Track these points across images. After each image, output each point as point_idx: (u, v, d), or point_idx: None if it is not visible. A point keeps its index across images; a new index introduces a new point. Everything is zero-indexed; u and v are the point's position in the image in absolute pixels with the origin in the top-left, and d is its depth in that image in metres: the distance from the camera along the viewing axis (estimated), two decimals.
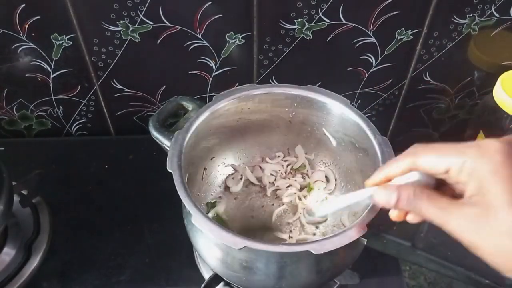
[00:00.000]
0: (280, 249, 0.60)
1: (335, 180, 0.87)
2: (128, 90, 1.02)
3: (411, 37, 0.95)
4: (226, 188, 0.87)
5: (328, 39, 0.94)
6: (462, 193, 0.48)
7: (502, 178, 0.44)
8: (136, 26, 0.90)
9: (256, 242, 0.59)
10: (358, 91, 1.05)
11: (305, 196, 0.86)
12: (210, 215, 0.82)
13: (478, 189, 0.45)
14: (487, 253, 0.46)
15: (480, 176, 0.45)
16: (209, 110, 0.75)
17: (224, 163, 0.88)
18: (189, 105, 0.78)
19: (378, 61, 0.98)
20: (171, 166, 0.67)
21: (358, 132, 0.74)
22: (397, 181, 0.54)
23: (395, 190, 0.51)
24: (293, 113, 0.81)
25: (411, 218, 0.54)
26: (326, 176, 0.87)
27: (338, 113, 0.77)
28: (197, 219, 0.61)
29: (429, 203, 0.49)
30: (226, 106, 0.77)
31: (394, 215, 0.55)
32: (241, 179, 0.87)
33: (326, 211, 0.71)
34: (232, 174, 0.88)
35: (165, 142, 0.73)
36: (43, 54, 0.94)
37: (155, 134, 0.75)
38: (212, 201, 0.85)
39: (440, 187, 0.52)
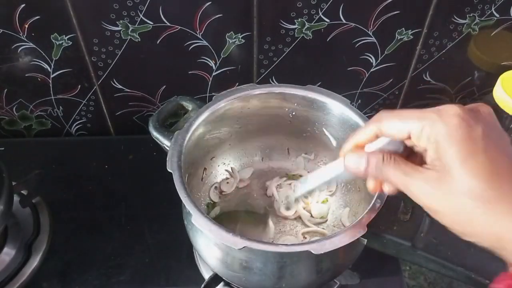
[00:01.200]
0: (280, 249, 0.60)
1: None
2: (128, 90, 1.02)
3: (411, 37, 0.95)
4: (221, 192, 0.87)
5: (328, 39, 0.94)
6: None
7: (456, 141, 0.44)
8: (136, 26, 0.90)
9: (256, 242, 0.59)
10: (358, 91, 1.05)
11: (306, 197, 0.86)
12: (210, 215, 0.82)
13: (435, 153, 0.46)
14: (446, 216, 0.47)
15: (437, 139, 0.46)
16: (209, 110, 0.75)
17: (224, 163, 0.88)
18: (189, 105, 0.78)
19: (378, 61, 0.98)
20: (171, 166, 0.67)
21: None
22: (368, 149, 0.54)
23: (364, 156, 0.52)
24: (293, 113, 0.81)
25: (387, 189, 0.54)
26: None
27: (338, 113, 0.77)
28: (197, 219, 0.61)
29: (395, 169, 0.50)
30: (226, 106, 0.77)
31: (370, 185, 0.55)
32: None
33: (307, 187, 0.67)
34: (227, 179, 0.88)
35: (165, 142, 0.73)
36: (43, 54, 0.94)
37: (155, 134, 0.75)
38: (212, 202, 0.85)
39: (411, 155, 0.52)
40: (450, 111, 0.46)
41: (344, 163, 0.55)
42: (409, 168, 0.49)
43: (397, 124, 0.49)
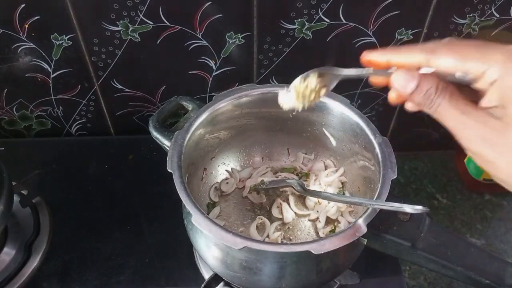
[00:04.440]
0: (280, 249, 0.60)
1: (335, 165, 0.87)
2: (128, 90, 1.02)
3: (411, 37, 0.95)
4: (221, 192, 0.87)
5: (328, 39, 0.94)
6: (477, 100, 0.45)
7: None
8: (136, 26, 0.90)
9: (256, 242, 0.59)
10: (358, 91, 1.05)
11: (306, 180, 0.87)
12: (210, 215, 0.82)
13: (500, 100, 0.42)
14: (502, 170, 0.43)
15: (504, 85, 0.41)
16: (209, 110, 0.75)
17: (224, 163, 0.88)
18: (189, 105, 0.78)
19: None
20: (171, 166, 0.67)
21: (358, 132, 0.74)
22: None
23: (417, 78, 0.46)
24: (293, 113, 0.81)
25: (410, 106, 0.50)
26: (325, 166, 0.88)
27: (338, 113, 0.77)
28: (197, 219, 0.61)
29: (450, 103, 0.44)
30: (226, 106, 0.77)
31: (393, 96, 0.51)
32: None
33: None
34: (226, 179, 0.88)
35: (165, 142, 0.73)
36: (43, 54, 0.94)
37: (155, 134, 0.75)
38: (212, 202, 0.85)
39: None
40: None
41: (392, 78, 0.48)
42: (468, 107, 0.44)
43: (453, 62, 0.44)
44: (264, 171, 0.88)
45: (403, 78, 0.46)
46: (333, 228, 0.81)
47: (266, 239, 0.80)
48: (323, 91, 0.64)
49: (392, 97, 0.51)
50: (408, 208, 0.58)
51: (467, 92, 0.46)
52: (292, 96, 0.63)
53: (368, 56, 0.50)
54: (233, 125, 0.82)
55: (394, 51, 0.49)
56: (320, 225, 0.81)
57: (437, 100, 0.45)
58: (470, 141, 0.44)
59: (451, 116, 0.44)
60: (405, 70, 0.47)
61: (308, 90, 0.63)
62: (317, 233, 0.82)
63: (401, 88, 0.47)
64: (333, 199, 0.75)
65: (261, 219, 0.82)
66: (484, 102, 0.43)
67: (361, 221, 0.61)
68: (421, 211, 0.57)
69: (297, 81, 0.61)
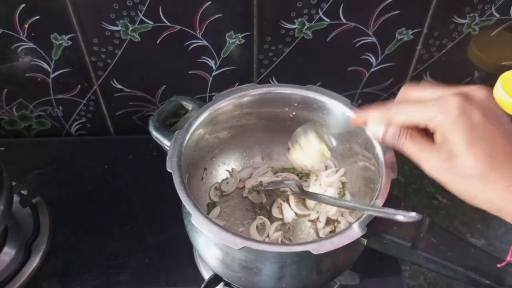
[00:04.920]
0: (280, 249, 0.60)
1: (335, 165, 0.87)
2: (128, 90, 1.02)
3: (411, 37, 0.95)
4: (221, 192, 0.87)
5: (328, 39, 0.94)
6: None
7: (459, 129, 0.51)
8: (136, 26, 0.90)
9: (256, 243, 0.59)
10: (358, 91, 1.05)
11: (306, 181, 0.86)
12: (210, 215, 0.82)
13: (442, 138, 0.52)
14: (455, 189, 0.54)
15: (442, 127, 0.52)
16: (209, 110, 0.75)
17: (224, 163, 0.88)
18: (189, 105, 0.78)
19: (378, 61, 0.98)
20: (171, 166, 0.67)
21: (359, 131, 0.74)
22: None
23: (383, 126, 0.58)
24: (294, 113, 0.81)
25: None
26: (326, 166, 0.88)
27: (338, 113, 0.77)
28: (196, 219, 0.61)
29: (411, 142, 0.56)
30: (226, 106, 0.77)
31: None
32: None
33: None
34: (226, 179, 0.88)
35: (165, 142, 0.73)
36: (43, 54, 0.94)
37: (155, 133, 0.75)
38: (212, 202, 0.85)
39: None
40: (451, 104, 0.51)
41: (366, 129, 0.61)
42: (424, 144, 0.55)
43: (404, 115, 0.56)
44: (264, 171, 0.88)
45: (373, 127, 0.60)
46: (333, 228, 0.81)
47: (266, 239, 0.79)
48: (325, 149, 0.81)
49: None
50: (401, 216, 0.59)
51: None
52: (298, 152, 0.81)
53: (353, 121, 0.67)
54: (233, 125, 0.82)
55: (367, 111, 0.61)
56: (320, 225, 0.81)
57: (401, 141, 0.57)
58: (430, 171, 0.55)
59: (413, 152, 0.56)
60: (375, 119, 0.60)
61: (310, 146, 0.81)
62: (317, 233, 0.82)
63: (374, 135, 0.60)
64: (329, 202, 0.75)
65: (261, 219, 0.82)
66: (435, 140, 0.54)
67: (361, 222, 0.61)
68: (413, 219, 0.58)
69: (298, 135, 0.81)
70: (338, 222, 0.82)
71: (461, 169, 0.52)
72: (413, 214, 0.59)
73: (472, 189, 0.52)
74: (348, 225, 0.63)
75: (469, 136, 0.50)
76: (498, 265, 0.62)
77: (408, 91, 0.58)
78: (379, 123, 0.59)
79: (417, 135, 0.56)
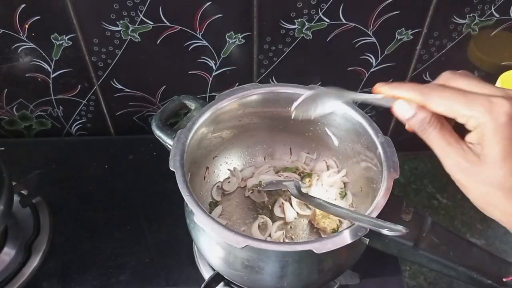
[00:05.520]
0: (282, 248, 0.60)
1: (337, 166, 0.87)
2: (128, 90, 1.02)
3: (411, 37, 0.95)
4: (223, 191, 0.87)
5: (328, 39, 0.94)
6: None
7: (502, 138, 0.48)
8: (136, 26, 0.90)
9: (258, 241, 0.59)
10: (358, 91, 1.05)
11: (308, 180, 0.87)
12: (213, 214, 0.82)
13: (479, 140, 0.50)
14: (472, 195, 0.52)
15: (483, 131, 0.49)
16: (212, 109, 0.75)
17: (227, 162, 0.88)
18: (191, 104, 0.78)
19: (378, 61, 0.99)
20: (174, 165, 0.67)
21: (361, 131, 0.74)
22: None
23: (414, 108, 0.53)
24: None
25: (408, 127, 0.56)
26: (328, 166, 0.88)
27: (340, 112, 0.76)
28: (199, 218, 0.61)
29: (439, 133, 0.52)
30: (229, 105, 0.76)
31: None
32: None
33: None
34: (228, 178, 0.88)
35: (168, 141, 0.73)
36: (43, 54, 0.94)
37: (157, 132, 0.74)
38: (215, 201, 0.85)
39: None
40: (501, 108, 0.48)
41: (394, 106, 0.56)
42: (453, 139, 0.52)
43: (445, 104, 0.51)
44: (266, 170, 0.88)
45: (402, 107, 0.54)
46: (335, 228, 0.81)
47: (268, 238, 0.79)
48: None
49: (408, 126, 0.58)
50: (386, 230, 0.58)
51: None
52: None
53: (379, 88, 0.58)
54: (235, 124, 0.82)
55: (399, 87, 0.55)
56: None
57: (429, 129, 0.53)
58: (451, 168, 0.52)
59: (438, 145, 0.52)
60: (406, 100, 0.54)
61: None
62: (318, 233, 0.82)
63: (401, 114, 0.55)
64: (322, 207, 0.73)
65: (263, 218, 0.82)
66: (467, 138, 0.51)
67: None
68: (399, 234, 0.58)
69: None
70: (341, 221, 0.82)
71: (488, 176, 0.50)
72: (399, 227, 0.58)
73: (492, 198, 0.51)
74: (350, 225, 0.63)
75: (509, 147, 0.48)
76: (504, 279, 0.62)
77: (451, 79, 0.53)
78: (410, 104, 0.54)
79: (447, 127, 0.53)
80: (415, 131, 0.55)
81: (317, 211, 0.81)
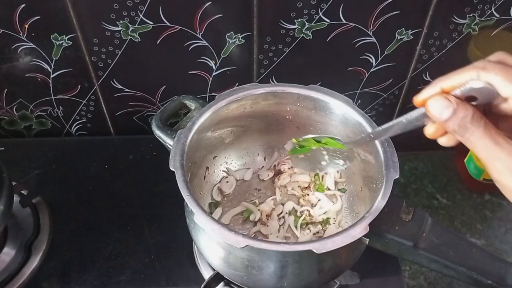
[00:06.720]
0: (282, 248, 0.60)
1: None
2: (128, 90, 1.02)
3: (411, 37, 0.95)
4: (221, 192, 0.87)
5: (328, 39, 0.94)
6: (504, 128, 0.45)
7: None
8: (136, 26, 0.90)
9: (258, 241, 0.59)
10: (358, 91, 1.05)
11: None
12: (213, 214, 0.82)
13: None
14: None
15: None
16: (212, 109, 0.75)
17: (226, 162, 0.88)
18: (191, 104, 0.78)
19: (378, 61, 0.98)
20: (174, 165, 0.67)
21: (361, 131, 0.74)
22: (455, 92, 0.46)
23: (453, 104, 0.44)
24: (296, 113, 0.81)
25: (445, 141, 0.49)
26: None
27: (340, 112, 0.76)
28: (199, 218, 0.61)
29: (485, 132, 0.44)
30: (229, 105, 0.76)
31: (430, 131, 0.50)
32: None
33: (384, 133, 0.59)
34: (225, 177, 0.88)
35: (168, 141, 0.73)
36: (43, 54, 0.94)
37: (158, 132, 0.75)
38: (215, 201, 0.85)
39: (487, 114, 0.46)
40: None
41: (428, 105, 0.46)
42: (502, 138, 0.44)
43: (501, 82, 0.43)
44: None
45: (440, 104, 0.45)
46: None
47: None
48: None
49: (430, 131, 0.50)
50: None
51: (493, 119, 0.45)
52: None
53: (421, 97, 0.48)
54: (235, 124, 0.82)
55: (444, 78, 0.48)
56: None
57: (472, 128, 0.44)
58: (500, 173, 0.44)
59: (484, 146, 0.44)
60: (442, 96, 0.46)
61: None
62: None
63: (437, 114, 0.46)
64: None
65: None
66: None
67: (363, 221, 0.61)
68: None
69: None
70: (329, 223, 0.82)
71: None
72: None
73: None
74: (348, 225, 0.63)
75: None
76: None
77: (507, 59, 0.46)
78: (448, 98, 0.45)
79: (491, 125, 0.44)
80: (451, 133, 0.47)
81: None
